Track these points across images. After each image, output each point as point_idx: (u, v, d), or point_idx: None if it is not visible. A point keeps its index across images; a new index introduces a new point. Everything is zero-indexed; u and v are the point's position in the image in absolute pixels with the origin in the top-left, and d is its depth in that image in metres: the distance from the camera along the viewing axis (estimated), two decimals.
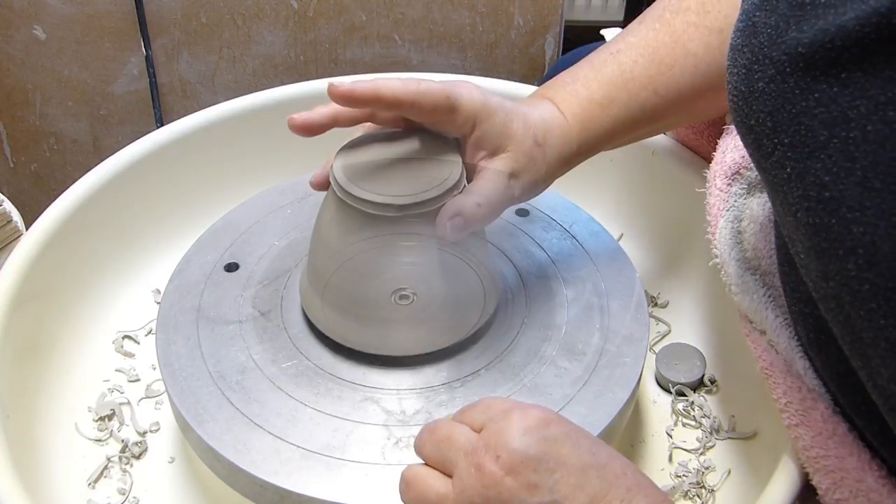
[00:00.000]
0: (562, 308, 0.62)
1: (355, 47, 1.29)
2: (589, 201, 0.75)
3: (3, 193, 0.77)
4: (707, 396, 0.68)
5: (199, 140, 0.81)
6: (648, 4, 0.64)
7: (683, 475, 0.62)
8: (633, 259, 0.67)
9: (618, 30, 0.87)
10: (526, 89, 0.83)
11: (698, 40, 0.59)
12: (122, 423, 0.66)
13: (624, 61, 0.60)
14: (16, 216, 0.76)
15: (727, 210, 0.59)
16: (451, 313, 0.57)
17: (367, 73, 0.91)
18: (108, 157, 0.76)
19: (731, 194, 0.59)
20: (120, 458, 0.63)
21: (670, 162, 0.77)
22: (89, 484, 0.62)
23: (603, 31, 0.89)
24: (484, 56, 1.31)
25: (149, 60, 1.25)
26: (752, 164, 0.57)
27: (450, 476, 0.44)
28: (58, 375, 0.68)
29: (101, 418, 0.66)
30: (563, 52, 1.29)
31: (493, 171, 0.54)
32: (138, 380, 0.70)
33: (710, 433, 0.65)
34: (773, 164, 0.40)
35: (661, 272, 0.78)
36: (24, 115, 1.29)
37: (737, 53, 0.42)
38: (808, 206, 0.38)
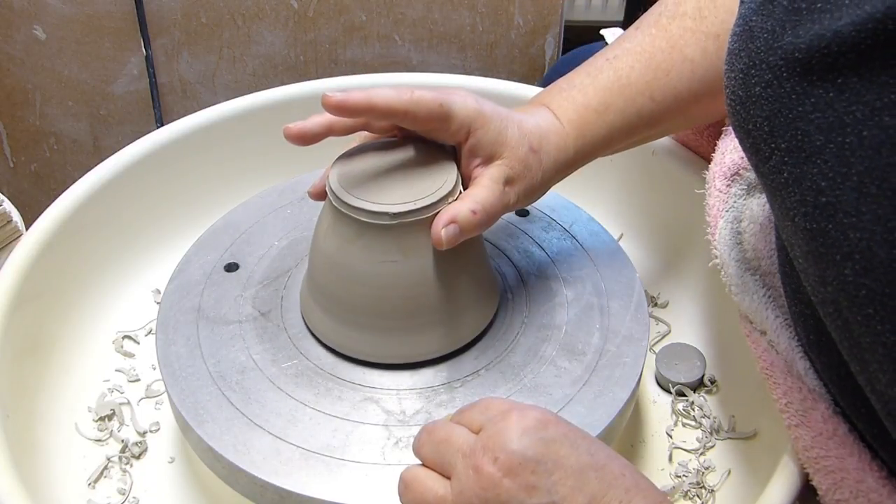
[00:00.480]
0: (562, 308, 0.62)
1: (355, 47, 1.29)
2: (589, 201, 0.75)
3: (3, 193, 0.77)
4: (707, 396, 0.68)
5: (199, 140, 0.81)
6: (648, 5, 0.64)
7: (683, 475, 0.62)
8: (633, 259, 0.67)
9: (618, 30, 0.87)
10: (526, 89, 0.83)
11: (695, 46, 0.59)
12: (122, 423, 0.66)
13: (620, 67, 0.60)
14: (16, 216, 0.76)
15: (727, 211, 0.59)
16: (450, 322, 0.57)
17: (367, 73, 0.91)
18: (108, 157, 0.76)
19: (730, 195, 0.59)
20: (120, 458, 0.63)
21: (670, 162, 0.77)
22: (89, 484, 0.62)
23: (603, 31, 0.89)
24: (484, 56, 1.31)
25: (149, 60, 1.25)
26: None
27: (448, 477, 0.44)
28: (58, 375, 0.68)
29: (101, 418, 0.66)
30: (563, 52, 1.29)
31: (488, 178, 0.54)
32: (138, 380, 0.70)
33: (710, 433, 0.65)
34: (771, 168, 0.40)
35: (661, 272, 0.78)
36: (24, 115, 1.29)
37: (734, 58, 0.42)
38: (805, 211, 0.38)
